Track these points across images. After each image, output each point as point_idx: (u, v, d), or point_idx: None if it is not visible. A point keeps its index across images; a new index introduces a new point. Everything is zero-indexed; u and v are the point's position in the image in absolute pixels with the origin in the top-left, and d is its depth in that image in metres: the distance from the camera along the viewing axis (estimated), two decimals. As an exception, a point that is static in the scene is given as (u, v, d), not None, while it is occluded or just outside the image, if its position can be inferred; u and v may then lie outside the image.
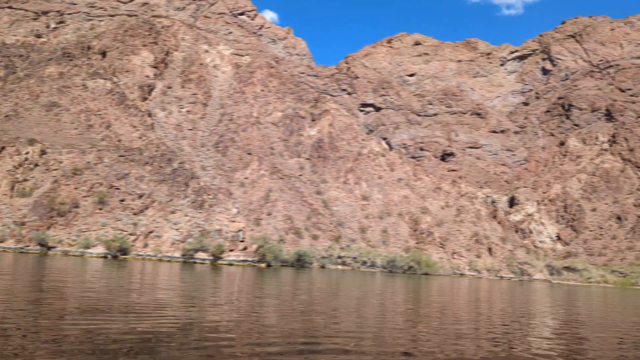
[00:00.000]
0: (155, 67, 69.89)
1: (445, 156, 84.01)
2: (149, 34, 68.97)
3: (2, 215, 36.02)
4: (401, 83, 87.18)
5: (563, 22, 70.36)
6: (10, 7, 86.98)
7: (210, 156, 66.72)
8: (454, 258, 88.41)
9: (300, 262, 52.07)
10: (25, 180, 41.84)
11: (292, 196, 62.90)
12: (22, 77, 57.99)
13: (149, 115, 64.03)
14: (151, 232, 43.94)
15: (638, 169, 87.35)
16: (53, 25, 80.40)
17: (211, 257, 44.96)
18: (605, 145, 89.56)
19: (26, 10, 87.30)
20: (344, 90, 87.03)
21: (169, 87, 73.74)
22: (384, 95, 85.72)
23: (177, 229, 46.79)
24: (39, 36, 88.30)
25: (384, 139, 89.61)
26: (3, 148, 41.21)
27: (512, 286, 30.05)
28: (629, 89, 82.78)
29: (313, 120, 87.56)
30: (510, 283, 44.49)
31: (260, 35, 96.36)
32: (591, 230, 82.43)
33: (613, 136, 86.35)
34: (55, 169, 43.73)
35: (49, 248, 36.64)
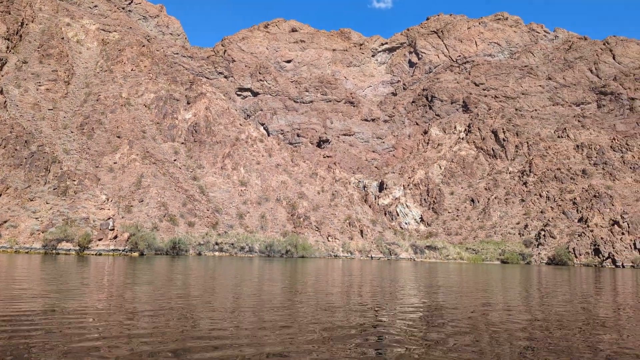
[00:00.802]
0: (7, 39, 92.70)
1: (321, 142, 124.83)
2: (0, 2, 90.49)
3: None
4: (278, 69, 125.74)
5: (427, 19, 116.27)
6: None
7: (74, 139, 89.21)
8: (328, 240, 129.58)
9: (175, 250, 70.82)
10: None
11: (166, 182, 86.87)
12: None
13: (1, 92, 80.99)
14: (6, 221, 58.09)
15: (488, 156, 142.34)
16: None
17: (77, 247, 59.12)
18: (462, 135, 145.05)
19: None
20: (221, 73, 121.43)
21: (25, 62, 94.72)
22: (261, 81, 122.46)
23: (36, 218, 62.77)
24: None
25: (262, 124, 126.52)
26: None
27: (381, 265, 56.40)
28: (482, 84, 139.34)
29: (188, 103, 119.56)
30: (379, 262, 75.55)
31: (130, 11, 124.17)
32: (449, 212, 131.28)
33: (469, 126, 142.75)
34: None
35: None
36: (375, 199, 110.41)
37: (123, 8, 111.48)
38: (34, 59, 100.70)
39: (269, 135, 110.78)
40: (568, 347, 7.02)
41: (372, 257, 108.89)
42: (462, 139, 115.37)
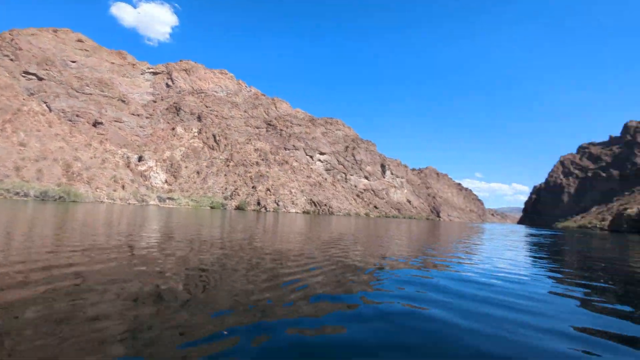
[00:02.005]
0: None
1: (96, 124, 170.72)
2: None
3: None
4: (64, 65, 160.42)
5: (180, 60, 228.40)
6: None
7: None
8: (96, 191, 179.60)
9: None
10: None
11: None
12: None
13: None
14: None
15: (210, 148, 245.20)
16: None
17: None
18: (196, 134, 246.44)
19: None
20: (7, 56, 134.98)
21: None
22: (47, 70, 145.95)
23: None
24: None
25: (45, 102, 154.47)
26: None
27: (136, 208, 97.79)
28: (210, 107, 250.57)
29: None
30: (135, 207, 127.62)
31: None
32: (183, 178, 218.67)
33: (200, 130, 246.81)
34: None
35: None
36: (135, 166, 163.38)
37: None
38: None
39: (49, 111, 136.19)
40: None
41: (129, 203, 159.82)
42: (195, 136, 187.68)
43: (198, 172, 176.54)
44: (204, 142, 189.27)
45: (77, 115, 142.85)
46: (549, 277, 8.01)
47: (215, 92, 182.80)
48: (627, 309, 5.02)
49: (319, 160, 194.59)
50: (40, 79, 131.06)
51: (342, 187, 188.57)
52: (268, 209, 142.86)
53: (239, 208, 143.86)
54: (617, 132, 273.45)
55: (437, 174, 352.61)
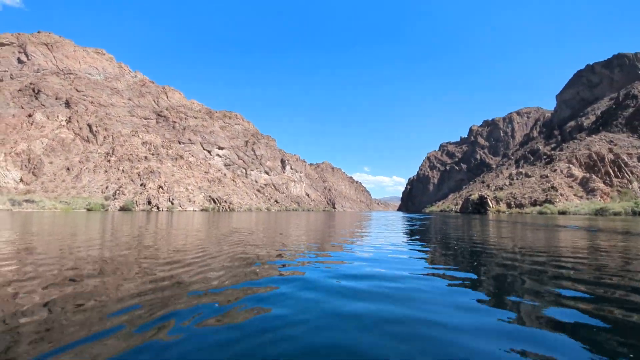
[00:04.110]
0: None
1: None
2: None
3: None
4: None
5: (39, 32, 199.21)
6: None
7: None
8: None
9: None
10: None
11: None
12: None
13: None
14: None
15: (84, 140, 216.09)
16: None
17: None
18: (64, 123, 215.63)
19: None
20: None
21: None
22: None
23: None
24: None
25: None
26: None
27: None
28: (82, 91, 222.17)
29: None
30: None
31: None
32: (48, 176, 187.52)
33: (69, 118, 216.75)
34: None
35: None
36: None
37: None
38: None
39: None
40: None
41: None
42: (63, 126, 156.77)
43: (68, 169, 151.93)
44: (75, 133, 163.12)
45: None
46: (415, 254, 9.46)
47: (90, 74, 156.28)
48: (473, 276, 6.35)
49: (218, 155, 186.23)
50: None
51: (243, 182, 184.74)
52: (161, 208, 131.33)
53: (124, 209, 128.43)
54: (465, 134, 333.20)
55: (332, 168, 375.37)
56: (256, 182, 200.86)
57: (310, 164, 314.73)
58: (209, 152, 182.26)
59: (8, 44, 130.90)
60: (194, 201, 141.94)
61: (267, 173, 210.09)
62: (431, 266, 7.03)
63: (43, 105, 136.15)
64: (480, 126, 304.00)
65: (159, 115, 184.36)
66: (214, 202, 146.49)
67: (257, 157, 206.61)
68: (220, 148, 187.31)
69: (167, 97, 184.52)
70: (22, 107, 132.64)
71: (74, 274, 6.22)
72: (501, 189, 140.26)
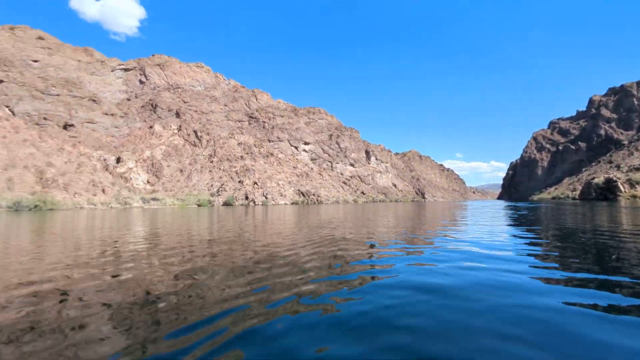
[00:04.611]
0: None
1: (67, 126, 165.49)
2: None
3: None
4: (24, 65, 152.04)
5: (153, 55, 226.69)
6: None
7: None
8: (75, 197, 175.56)
9: None
10: None
11: None
12: None
13: None
14: None
15: (191, 145, 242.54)
16: None
17: None
18: (176, 131, 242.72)
19: None
20: None
21: None
22: (6, 71, 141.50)
23: None
24: None
25: (7, 106, 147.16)
26: None
27: (119, 212, 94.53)
28: (188, 102, 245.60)
29: None
30: (118, 210, 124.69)
31: None
32: (166, 177, 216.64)
33: (179, 126, 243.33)
34: None
35: None
36: (114, 168, 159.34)
37: None
38: None
39: (13, 115, 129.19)
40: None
41: (112, 207, 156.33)
42: (175, 133, 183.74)
43: (181, 170, 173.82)
44: (184, 139, 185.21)
45: (45, 119, 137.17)
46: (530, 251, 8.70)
47: (193, 86, 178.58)
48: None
49: (304, 150, 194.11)
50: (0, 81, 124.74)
51: (329, 175, 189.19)
52: (256, 203, 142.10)
53: (226, 204, 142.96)
54: (583, 107, 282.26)
55: (420, 156, 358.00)
56: (342, 174, 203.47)
57: (396, 154, 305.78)
58: (296, 147, 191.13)
59: (132, 69, 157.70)
60: (285, 195, 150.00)
61: (352, 165, 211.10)
62: (546, 265, 6.48)
63: (160, 117, 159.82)
64: (604, 95, 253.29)
65: (250, 117, 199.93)
66: (303, 195, 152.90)
67: (341, 150, 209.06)
68: (306, 143, 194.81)
69: (256, 99, 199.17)
70: (145, 121, 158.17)
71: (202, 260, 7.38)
72: (638, 169, 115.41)
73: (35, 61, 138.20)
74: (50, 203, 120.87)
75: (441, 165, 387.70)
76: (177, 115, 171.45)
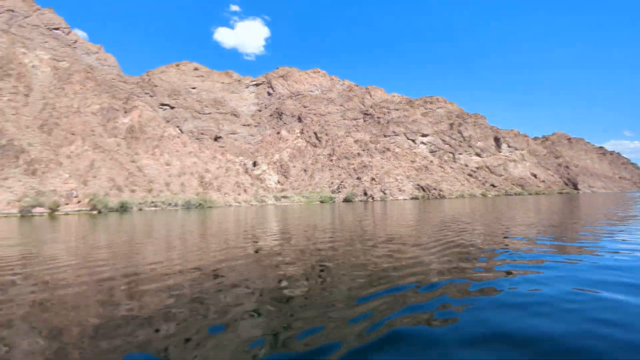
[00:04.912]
0: None
1: (217, 138, 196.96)
2: None
3: None
4: (187, 92, 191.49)
5: (277, 68, 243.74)
6: None
7: (36, 135, 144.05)
8: (225, 196, 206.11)
9: (123, 208, 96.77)
10: None
11: (113, 164, 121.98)
12: None
13: None
14: None
15: (312, 146, 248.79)
16: None
17: (49, 210, 78.80)
18: (299, 134, 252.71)
19: None
20: (147, 93, 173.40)
21: None
22: (176, 99, 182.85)
23: (11, 192, 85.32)
24: None
25: (177, 127, 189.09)
26: None
27: (257, 208, 60.90)
28: (307, 107, 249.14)
29: (125, 112, 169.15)
30: (257, 207, 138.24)
31: (75, 47, 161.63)
32: (293, 177, 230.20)
33: (302, 130, 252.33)
34: None
35: None
36: (252, 171, 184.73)
37: (69, 45, 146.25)
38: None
39: (182, 133, 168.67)
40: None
41: (251, 204, 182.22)
42: (299, 137, 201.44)
43: (305, 170, 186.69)
44: (306, 141, 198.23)
45: (202, 133, 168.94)
46: None
47: (311, 91, 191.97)
48: None
49: (422, 142, 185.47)
50: (172, 107, 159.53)
51: (451, 167, 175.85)
52: (375, 198, 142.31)
53: (346, 200, 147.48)
54: None
55: (569, 139, 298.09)
56: (466, 166, 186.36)
57: (535, 138, 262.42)
58: (413, 141, 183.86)
59: (261, 83, 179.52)
60: (404, 190, 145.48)
61: (478, 155, 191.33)
62: None
63: (285, 123, 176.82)
64: None
65: (365, 114, 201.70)
66: (423, 190, 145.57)
67: (464, 139, 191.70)
68: (423, 135, 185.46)
69: (370, 96, 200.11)
70: (273, 127, 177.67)
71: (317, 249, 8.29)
72: None
73: (193, 88, 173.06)
74: (209, 202, 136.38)
75: (601, 147, 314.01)
76: (299, 119, 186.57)
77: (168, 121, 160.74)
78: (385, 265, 6.31)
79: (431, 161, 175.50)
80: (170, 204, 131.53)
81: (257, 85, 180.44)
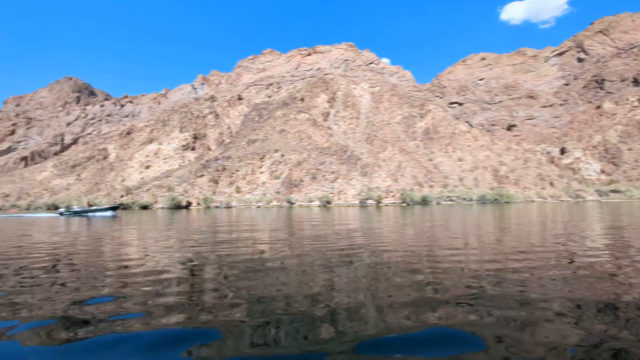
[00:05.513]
0: (328, 102, 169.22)
1: (510, 127, 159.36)
2: (324, 85, 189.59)
3: (269, 189, 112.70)
4: (474, 85, 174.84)
5: (592, 23, 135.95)
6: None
7: (364, 146, 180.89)
8: (524, 191, 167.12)
9: (424, 201, 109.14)
10: (276, 170, 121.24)
11: (414, 164, 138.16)
12: (266, 118, 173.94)
13: (329, 128, 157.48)
14: (341, 191, 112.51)
15: None
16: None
17: (375, 202, 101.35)
18: (635, 103, 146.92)
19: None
20: (437, 96, 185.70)
21: (337, 112, 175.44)
22: (464, 95, 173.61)
23: (354, 188, 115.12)
24: (269, 96, 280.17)
25: (467, 122, 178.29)
26: (264, 156, 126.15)
27: (572, 205, 54.38)
28: None
29: (421, 117, 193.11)
30: (569, 204, 67.49)
31: (383, 73, 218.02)
32: (628, 164, 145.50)
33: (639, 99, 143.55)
34: (289, 163, 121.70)
35: (292, 203, 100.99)
36: (559, 160, 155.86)
37: (379, 72, 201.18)
38: (341, 109, 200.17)
39: (472, 127, 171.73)
40: None
41: (562, 201, 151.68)
42: (636, 107, 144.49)
43: None
44: None
45: (493, 125, 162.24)
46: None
47: None
48: None
49: None
50: (460, 104, 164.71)
51: None
52: None
53: None
54: None
55: None
56: None
57: None
58: None
59: (567, 50, 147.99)
60: None
61: None
62: None
63: (609, 92, 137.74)
64: None
65: None
66: None
67: None
68: None
69: None
70: (590, 102, 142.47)
71: None
72: None
73: (481, 79, 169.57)
74: (506, 196, 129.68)
75: None
76: (635, 82, 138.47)
77: (457, 118, 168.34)
78: None
79: None
80: (464, 198, 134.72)
81: (560, 54, 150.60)
